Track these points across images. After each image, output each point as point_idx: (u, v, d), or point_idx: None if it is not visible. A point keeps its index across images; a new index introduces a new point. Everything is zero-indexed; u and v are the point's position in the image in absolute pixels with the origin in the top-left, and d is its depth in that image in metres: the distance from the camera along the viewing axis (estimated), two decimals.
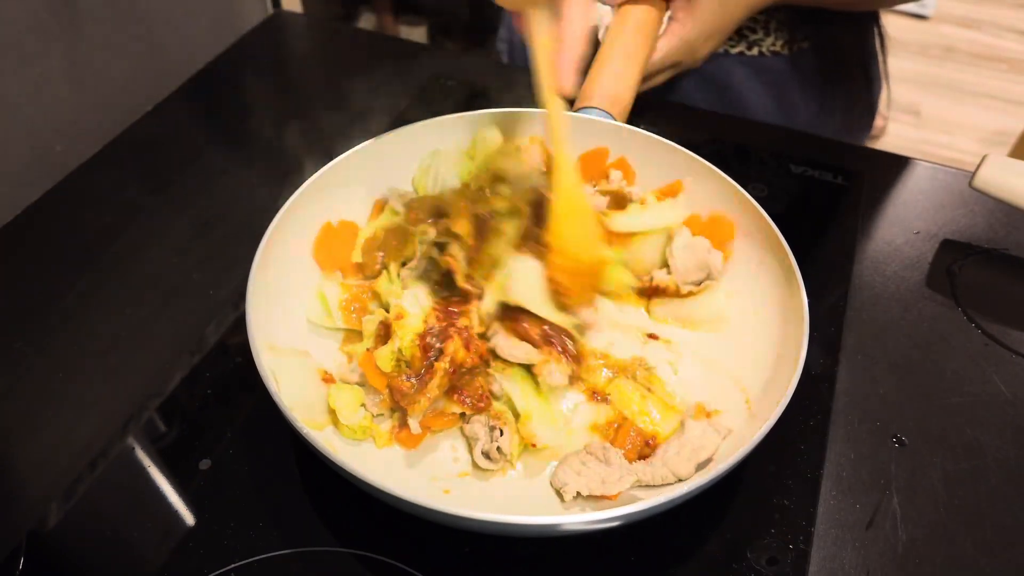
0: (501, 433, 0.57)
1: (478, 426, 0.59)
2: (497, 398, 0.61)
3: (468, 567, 0.56)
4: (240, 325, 0.62)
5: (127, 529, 0.57)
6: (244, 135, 0.92)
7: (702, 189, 0.71)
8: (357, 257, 0.69)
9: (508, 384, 0.60)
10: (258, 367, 0.54)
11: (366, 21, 2.53)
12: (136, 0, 0.92)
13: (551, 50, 0.59)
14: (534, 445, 0.58)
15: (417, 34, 2.54)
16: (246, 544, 0.56)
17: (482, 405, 0.59)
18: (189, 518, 0.58)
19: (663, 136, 0.73)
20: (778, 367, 0.60)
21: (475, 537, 0.57)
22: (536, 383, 0.61)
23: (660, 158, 0.73)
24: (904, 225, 0.82)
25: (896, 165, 0.89)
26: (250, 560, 0.55)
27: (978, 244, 0.80)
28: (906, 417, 0.66)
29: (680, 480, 0.56)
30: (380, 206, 0.72)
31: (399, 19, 2.53)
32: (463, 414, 0.60)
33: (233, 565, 0.55)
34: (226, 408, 0.65)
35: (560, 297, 0.64)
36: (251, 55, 1.04)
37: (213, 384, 0.66)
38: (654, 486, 0.56)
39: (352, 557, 0.56)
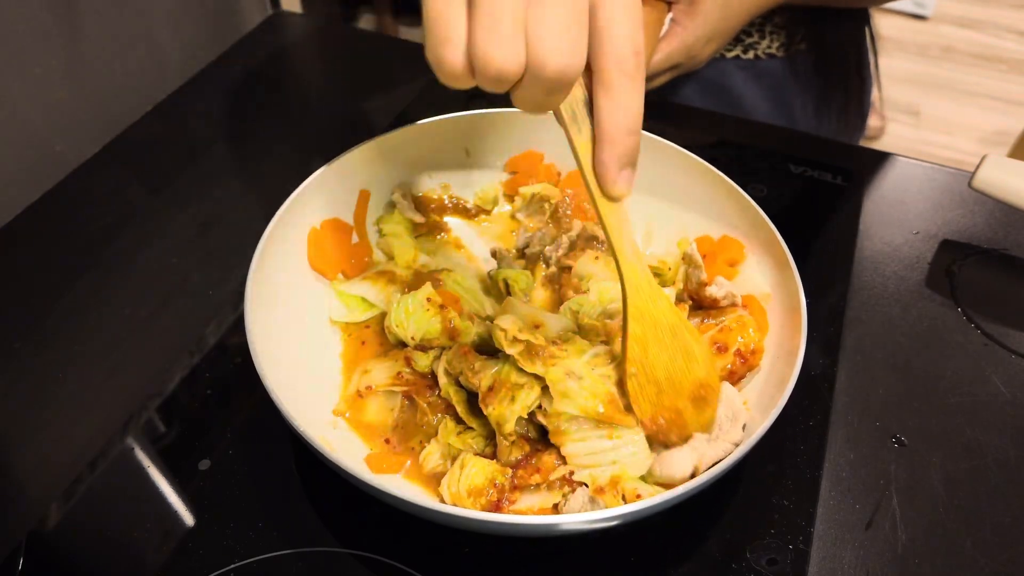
0: (603, 490, 0.55)
1: (579, 502, 0.54)
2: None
3: (468, 567, 0.56)
4: (240, 325, 0.62)
5: (127, 529, 0.57)
6: (243, 135, 0.92)
7: (700, 190, 0.71)
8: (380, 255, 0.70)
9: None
10: (257, 367, 0.54)
11: (366, 21, 2.53)
12: (136, 0, 0.92)
13: (589, 151, 0.47)
14: (639, 496, 0.53)
15: (417, 34, 2.54)
16: (246, 544, 0.56)
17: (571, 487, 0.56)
18: (189, 518, 0.58)
19: (661, 136, 0.73)
20: (776, 367, 0.60)
21: (475, 537, 0.57)
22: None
23: (658, 159, 0.73)
24: (903, 225, 0.82)
25: (896, 165, 0.89)
26: (250, 560, 0.55)
27: (978, 244, 0.80)
28: (905, 417, 0.66)
29: (736, 445, 0.53)
30: (365, 198, 0.72)
31: (399, 19, 2.53)
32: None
33: (233, 565, 0.55)
34: (226, 408, 0.65)
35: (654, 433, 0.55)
36: (251, 55, 1.04)
37: (213, 384, 0.66)
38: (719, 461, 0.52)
39: (352, 557, 0.56)
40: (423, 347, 0.63)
